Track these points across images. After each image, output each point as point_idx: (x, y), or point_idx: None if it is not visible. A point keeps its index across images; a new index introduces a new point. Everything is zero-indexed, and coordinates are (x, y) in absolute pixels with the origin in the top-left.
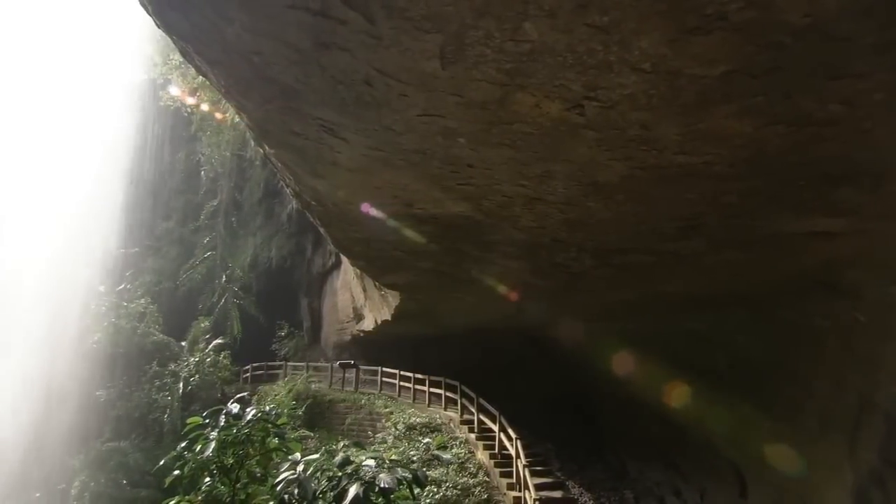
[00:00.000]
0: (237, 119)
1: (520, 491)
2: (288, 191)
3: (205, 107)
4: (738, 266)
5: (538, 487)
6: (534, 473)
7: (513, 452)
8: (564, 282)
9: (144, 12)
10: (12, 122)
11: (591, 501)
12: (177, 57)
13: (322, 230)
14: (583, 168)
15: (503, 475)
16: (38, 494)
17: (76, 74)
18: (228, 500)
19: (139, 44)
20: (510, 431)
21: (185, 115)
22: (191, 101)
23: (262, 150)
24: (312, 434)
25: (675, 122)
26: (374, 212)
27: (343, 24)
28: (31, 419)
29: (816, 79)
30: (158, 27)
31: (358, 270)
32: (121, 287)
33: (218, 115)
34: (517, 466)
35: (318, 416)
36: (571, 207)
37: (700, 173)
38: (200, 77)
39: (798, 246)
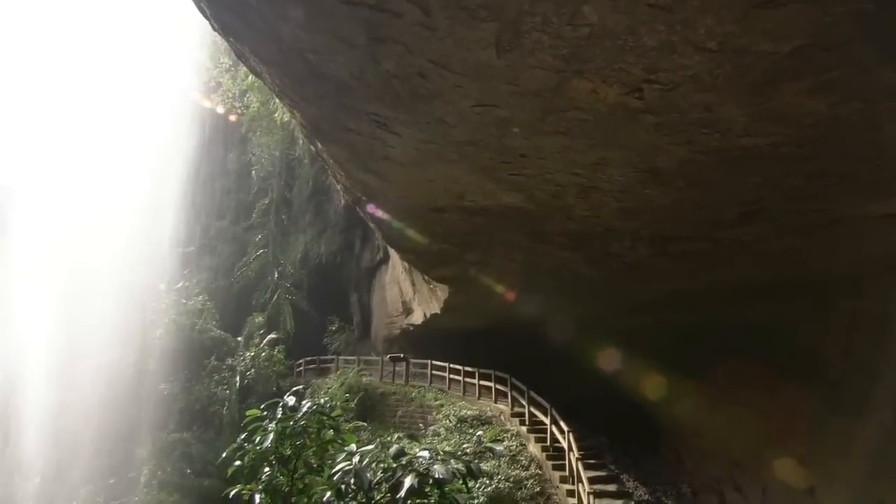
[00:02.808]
0: (285, 118)
1: (573, 484)
2: (339, 187)
3: (220, 109)
4: (802, 252)
5: (592, 481)
6: (587, 466)
7: (565, 445)
8: (618, 272)
9: (198, 18)
10: (75, 130)
11: (647, 496)
12: (226, 60)
13: (372, 225)
14: (640, 154)
15: (555, 468)
16: (111, 481)
17: (133, 79)
18: (287, 489)
19: (192, 48)
20: (562, 424)
21: (235, 116)
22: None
23: (313, 148)
24: (366, 426)
25: (740, 102)
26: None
27: (398, 16)
28: (103, 411)
29: None
30: (215, 30)
31: (407, 264)
32: (179, 285)
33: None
34: (570, 459)
35: (370, 409)
36: (627, 195)
37: (765, 155)
38: (250, 78)
39: (870, 229)
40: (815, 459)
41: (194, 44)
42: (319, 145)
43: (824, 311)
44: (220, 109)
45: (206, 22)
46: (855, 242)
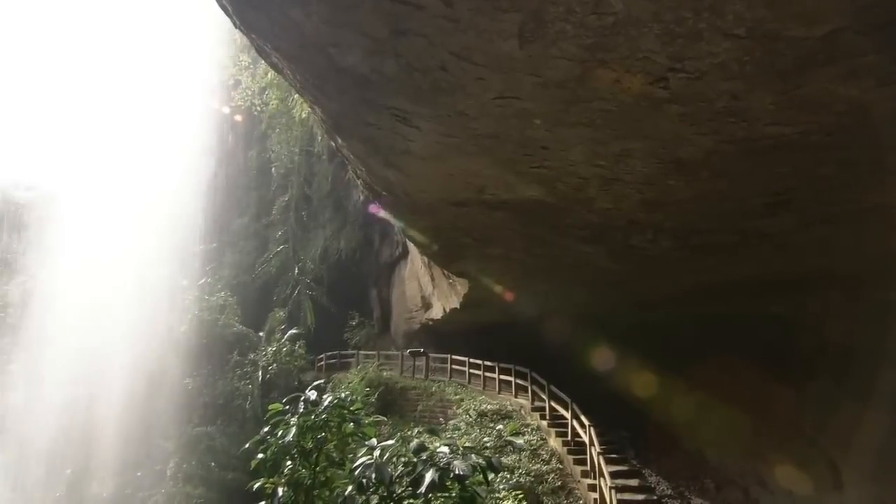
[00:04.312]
0: (304, 115)
1: (594, 479)
2: (358, 182)
3: (239, 107)
4: (830, 243)
5: (613, 475)
6: (608, 461)
7: (586, 440)
8: (639, 265)
9: (218, 17)
10: (100, 130)
11: (670, 490)
12: (246, 58)
13: (392, 220)
14: (665, 145)
15: (577, 462)
16: (139, 474)
17: (155, 79)
18: (309, 483)
19: (212, 47)
20: (583, 418)
21: (255, 114)
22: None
23: (333, 144)
24: (386, 420)
25: (769, 89)
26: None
27: (420, 9)
28: (130, 405)
29: None
30: (237, 27)
31: (426, 259)
32: (202, 281)
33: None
34: (591, 454)
35: (391, 403)
36: (650, 187)
37: (794, 144)
38: (269, 76)
39: None
40: (844, 455)
41: (214, 43)
42: (340, 140)
43: (853, 304)
44: (240, 107)
45: (226, 21)
46: (886, 232)
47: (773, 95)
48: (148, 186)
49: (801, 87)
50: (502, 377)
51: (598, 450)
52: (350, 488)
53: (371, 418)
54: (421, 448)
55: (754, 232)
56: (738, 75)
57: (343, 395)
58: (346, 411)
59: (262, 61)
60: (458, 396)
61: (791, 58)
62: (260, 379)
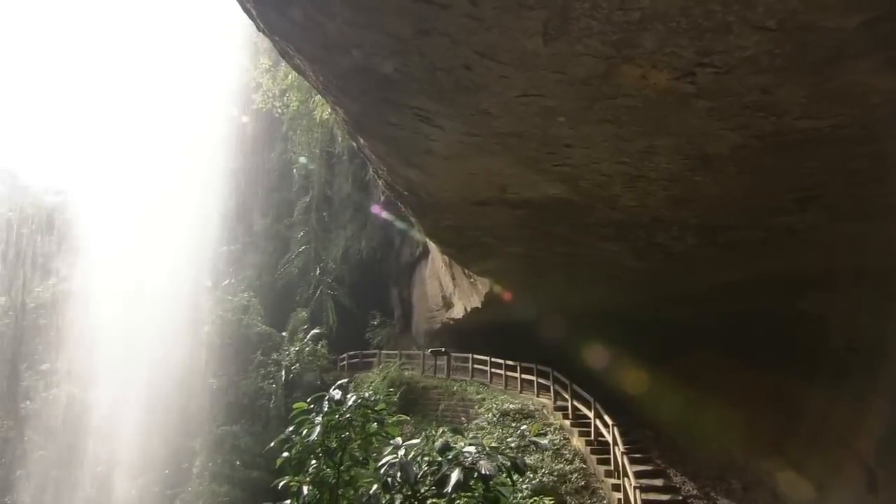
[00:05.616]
0: (325, 116)
1: (618, 478)
2: (380, 182)
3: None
4: (860, 239)
5: (638, 475)
6: (633, 461)
7: (610, 439)
8: (663, 263)
9: (238, 21)
10: (127, 134)
11: (695, 490)
12: (266, 61)
13: (413, 219)
14: (691, 141)
15: (600, 462)
16: (166, 472)
17: (180, 83)
18: (334, 481)
19: (234, 51)
20: (606, 418)
21: (276, 116)
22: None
23: (354, 144)
24: (409, 419)
25: (800, 83)
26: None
27: (445, 8)
28: (157, 404)
29: None
30: (259, 30)
31: (447, 259)
32: (225, 282)
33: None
34: (615, 453)
35: (413, 403)
36: (676, 183)
37: (825, 138)
38: (289, 78)
39: None
40: (878, 457)
41: (236, 46)
42: (361, 141)
43: (884, 301)
44: (261, 110)
45: (246, 26)
46: None
47: (804, 89)
48: (172, 189)
49: (833, 80)
50: (524, 376)
51: (621, 449)
52: (375, 487)
53: (394, 417)
54: (446, 447)
55: (782, 228)
56: (768, 69)
57: (366, 394)
58: (370, 411)
59: (283, 64)
60: (479, 396)
61: (823, 50)
62: (283, 378)
